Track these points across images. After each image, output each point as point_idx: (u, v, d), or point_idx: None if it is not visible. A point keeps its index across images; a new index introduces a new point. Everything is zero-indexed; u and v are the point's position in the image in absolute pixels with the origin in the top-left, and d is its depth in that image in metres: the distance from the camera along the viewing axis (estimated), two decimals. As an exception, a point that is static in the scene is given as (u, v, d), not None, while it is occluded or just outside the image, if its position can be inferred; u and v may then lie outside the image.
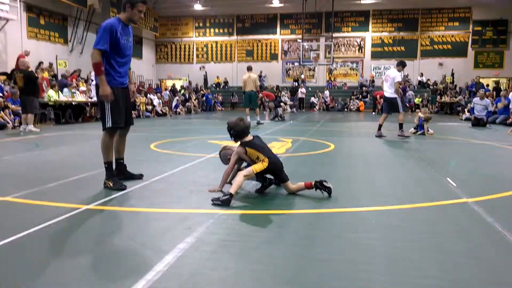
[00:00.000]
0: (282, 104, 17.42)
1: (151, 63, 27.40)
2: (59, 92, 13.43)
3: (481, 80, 21.16)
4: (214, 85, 26.71)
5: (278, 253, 2.56)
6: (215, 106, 24.33)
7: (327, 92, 24.20)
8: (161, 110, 19.29)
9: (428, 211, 3.55)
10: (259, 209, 3.52)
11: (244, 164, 4.12)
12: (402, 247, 2.68)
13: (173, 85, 25.83)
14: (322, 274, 2.27)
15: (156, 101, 19.25)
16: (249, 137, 4.14)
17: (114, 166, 4.43)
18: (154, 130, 11.33)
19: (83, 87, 15.54)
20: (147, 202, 3.75)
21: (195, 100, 22.78)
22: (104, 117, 4.24)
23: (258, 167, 3.84)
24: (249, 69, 12.95)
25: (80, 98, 14.53)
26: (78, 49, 19.85)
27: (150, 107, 18.71)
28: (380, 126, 9.50)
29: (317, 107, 24.07)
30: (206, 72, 26.75)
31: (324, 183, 3.84)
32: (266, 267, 2.36)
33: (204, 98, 23.98)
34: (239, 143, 4.12)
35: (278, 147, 7.48)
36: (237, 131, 4.13)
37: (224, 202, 3.55)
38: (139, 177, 4.60)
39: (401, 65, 9.46)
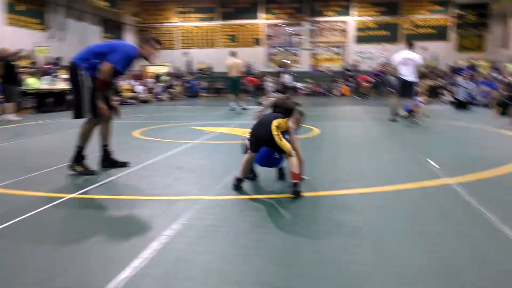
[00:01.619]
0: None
1: (133, 49, 26.98)
2: (40, 79, 13.15)
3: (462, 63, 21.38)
4: (198, 71, 26.46)
5: (265, 238, 2.58)
6: (199, 92, 24.15)
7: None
8: (144, 97, 19.06)
9: (411, 192, 3.61)
10: (245, 194, 3.54)
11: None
12: (387, 228, 2.73)
13: (156, 72, 25.52)
14: (309, 257, 2.30)
15: (139, 88, 19.01)
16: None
17: (101, 153, 4.51)
18: (137, 117, 11.22)
19: (65, 75, 15.23)
20: (132, 190, 3.73)
21: (179, 86, 22.57)
22: (80, 107, 4.22)
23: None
24: (233, 54, 12.85)
25: (61, 86, 14.26)
26: (59, 35, 19.39)
27: (133, 94, 18.47)
28: (394, 110, 9.25)
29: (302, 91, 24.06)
30: (189, 58, 26.46)
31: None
32: (253, 251, 2.38)
33: (187, 84, 23.77)
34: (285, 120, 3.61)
35: (263, 133, 7.47)
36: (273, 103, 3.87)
37: (234, 187, 3.58)
38: (123, 164, 4.55)
39: (412, 46, 9.13)
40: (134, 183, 3.95)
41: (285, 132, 3.56)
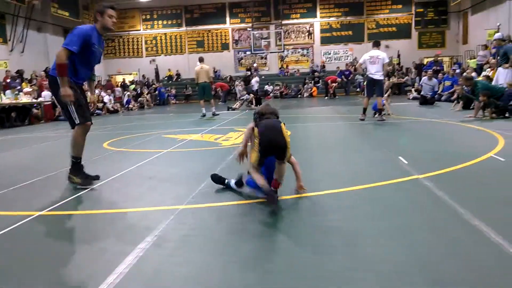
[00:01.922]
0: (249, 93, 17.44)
1: (99, 58, 26.49)
2: (2, 94, 12.72)
3: (425, 60, 22.01)
4: (166, 78, 26.19)
5: (243, 244, 2.57)
6: (168, 99, 23.91)
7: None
8: (112, 107, 18.73)
9: (383, 189, 3.68)
10: (220, 201, 3.51)
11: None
12: (361, 227, 2.76)
13: (123, 80, 25.12)
14: (287, 261, 2.30)
15: (106, 98, 18.65)
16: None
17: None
18: (106, 128, 11.00)
19: (27, 88, 14.79)
20: (104, 203, 3.65)
21: (147, 94, 22.28)
22: (71, 116, 4.15)
23: (253, 156, 3.35)
24: (201, 60, 12.78)
25: (24, 99, 13.84)
26: (19, 48, 18.82)
27: (101, 105, 18.10)
28: (365, 110, 9.33)
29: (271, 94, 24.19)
30: (157, 65, 26.15)
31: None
32: (231, 258, 2.37)
33: (156, 92, 23.50)
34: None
35: (236, 137, 7.48)
36: (258, 112, 3.58)
37: (269, 200, 3.22)
38: (95, 178, 4.40)
39: (380, 45, 9.38)
40: (105, 196, 3.86)
41: None
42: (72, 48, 3.97)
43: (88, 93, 4.80)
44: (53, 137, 9.39)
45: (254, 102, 16.15)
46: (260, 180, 3.25)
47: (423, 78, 14.74)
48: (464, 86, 9.99)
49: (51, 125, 13.26)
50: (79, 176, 4.21)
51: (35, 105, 14.41)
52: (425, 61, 21.49)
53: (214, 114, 12.65)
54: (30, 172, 5.10)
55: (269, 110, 3.57)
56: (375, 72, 9.06)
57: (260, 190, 3.32)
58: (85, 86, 4.61)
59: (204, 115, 12.46)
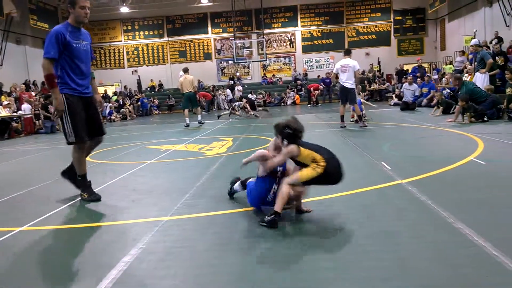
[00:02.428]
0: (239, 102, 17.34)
1: (80, 70, 26.18)
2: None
3: (405, 67, 22.39)
4: (148, 89, 26.05)
5: (227, 255, 2.55)
6: (151, 110, 23.76)
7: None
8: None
9: (367, 195, 3.70)
10: (205, 212, 3.49)
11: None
12: (346, 233, 2.77)
13: (105, 92, 24.89)
14: (272, 270, 2.29)
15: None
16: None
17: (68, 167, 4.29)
18: (88, 140, 10.84)
19: (6, 101, 14.53)
20: (86, 217, 3.59)
21: (130, 105, 22.10)
22: (65, 131, 3.99)
23: (307, 174, 3.04)
24: (185, 71, 12.82)
25: (3, 113, 13.59)
26: (-3, 60, 18.53)
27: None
28: (342, 117, 9.48)
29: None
30: (139, 76, 26.00)
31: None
32: (215, 269, 2.35)
33: (139, 102, 23.33)
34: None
35: (219, 147, 7.46)
36: (293, 128, 3.18)
37: (269, 224, 2.94)
38: (97, 198, 4.14)
39: (350, 53, 9.55)
40: (88, 209, 3.80)
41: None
42: (50, 55, 3.80)
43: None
44: (34, 150, 9.22)
45: (249, 108, 15.82)
46: (283, 201, 3.00)
47: (404, 84, 14.94)
48: (443, 90, 10.19)
49: (31, 138, 13.03)
50: (86, 191, 4.10)
51: (14, 118, 14.16)
52: (405, 67, 21.78)
53: (200, 123, 12.69)
54: (10, 186, 4.99)
55: (302, 128, 3.25)
56: (346, 80, 9.24)
57: (259, 205, 3.31)
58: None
59: (188, 125, 12.43)
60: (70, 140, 3.97)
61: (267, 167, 3.22)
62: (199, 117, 12.99)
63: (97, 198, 4.05)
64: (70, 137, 3.95)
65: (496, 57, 11.55)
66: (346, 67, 9.20)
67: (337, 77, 9.57)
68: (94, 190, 4.15)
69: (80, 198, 4.13)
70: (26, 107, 14.53)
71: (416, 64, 19.39)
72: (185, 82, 12.57)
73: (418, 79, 15.61)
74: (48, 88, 3.86)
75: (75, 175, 4.19)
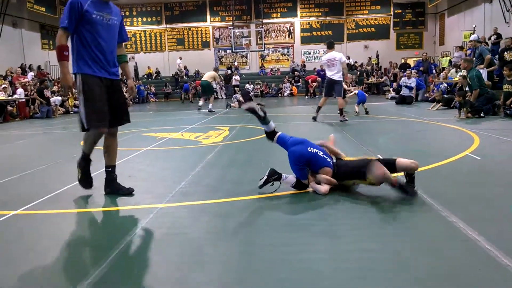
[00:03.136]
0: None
1: (76, 55, 25.94)
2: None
3: (408, 60, 22.33)
4: (145, 76, 25.91)
5: (222, 243, 2.56)
6: (148, 97, 23.66)
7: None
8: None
9: (362, 187, 3.70)
10: (200, 200, 3.49)
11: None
12: (339, 224, 2.78)
13: (102, 78, 24.69)
14: (265, 259, 2.30)
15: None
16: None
17: (105, 177, 3.81)
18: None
19: (3, 85, 14.40)
20: (82, 202, 3.58)
21: (126, 92, 21.96)
22: (80, 116, 3.53)
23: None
24: (215, 70, 15.19)
25: (-1, 96, 13.48)
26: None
27: (77, 102, 17.77)
28: (319, 108, 9.51)
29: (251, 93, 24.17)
30: (136, 63, 25.84)
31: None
32: (210, 257, 2.35)
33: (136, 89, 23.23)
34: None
35: (216, 136, 7.45)
36: None
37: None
38: (128, 192, 3.74)
39: (334, 46, 9.53)
40: (83, 195, 3.78)
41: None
42: (63, 25, 3.35)
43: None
44: (28, 135, 9.17)
45: (242, 99, 16.03)
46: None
47: (403, 78, 14.90)
48: (441, 85, 10.20)
49: (26, 122, 12.95)
50: (83, 170, 3.80)
51: (10, 102, 14.05)
52: (406, 61, 21.70)
53: (210, 111, 13.31)
54: (4, 170, 4.97)
55: None
56: (333, 74, 9.24)
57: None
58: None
59: (199, 109, 13.97)
60: (85, 126, 3.53)
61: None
62: (210, 106, 13.60)
63: (85, 187, 3.80)
64: (85, 124, 3.52)
65: (505, 52, 11.48)
66: (333, 61, 9.21)
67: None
68: (92, 175, 3.94)
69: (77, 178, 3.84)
70: (21, 91, 14.42)
71: (421, 58, 18.89)
72: (207, 73, 14.18)
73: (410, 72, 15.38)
74: (57, 60, 3.42)
75: (115, 186, 3.78)
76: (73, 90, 3.54)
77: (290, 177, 3.61)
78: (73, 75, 3.50)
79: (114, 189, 3.75)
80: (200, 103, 14.51)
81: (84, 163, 3.83)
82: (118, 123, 3.78)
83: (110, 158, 3.81)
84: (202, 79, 14.29)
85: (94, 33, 3.45)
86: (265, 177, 3.56)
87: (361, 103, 10.62)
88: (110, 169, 3.79)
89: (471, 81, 9.39)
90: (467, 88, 10.54)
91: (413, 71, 15.30)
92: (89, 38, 3.44)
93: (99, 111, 3.50)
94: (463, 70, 13.06)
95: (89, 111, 3.46)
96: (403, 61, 21.64)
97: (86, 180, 3.84)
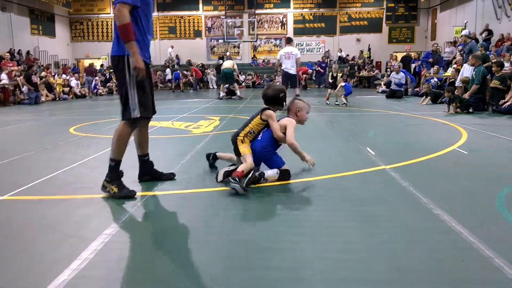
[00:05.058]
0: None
1: (66, 41, 25.60)
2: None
3: (394, 54, 22.37)
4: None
5: (212, 230, 2.57)
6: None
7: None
8: (79, 92, 18.21)
9: (350, 179, 3.75)
10: (189, 189, 3.49)
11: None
12: (326, 216, 2.80)
13: (91, 65, 24.43)
14: (252, 249, 2.31)
15: (74, 82, 18.11)
16: None
17: (138, 165, 3.74)
18: (73, 112, 10.69)
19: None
20: (69, 189, 3.56)
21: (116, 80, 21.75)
22: (128, 103, 3.21)
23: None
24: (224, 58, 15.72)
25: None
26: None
27: (67, 89, 17.57)
28: None
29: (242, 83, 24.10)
30: (127, 51, 25.58)
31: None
32: (199, 246, 2.36)
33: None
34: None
35: (206, 125, 7.43)
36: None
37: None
38: (170, 177, 3.73)
39: (292, 41, 10.56)
40: (70, 182, 3.76)
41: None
42: (131, 1, 3.00)
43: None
44: (16, 120, 9.06)
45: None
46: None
47: (392, 73, 14.93)
48: (431, 80, 10.26)
49: (14, 108, 12.79)
50: (115, 183, 3.28)
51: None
52: (399, 55, 21.69)
53: (239, 98, 14.24)
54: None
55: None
56: (290, 67, 9.92)
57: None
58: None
59: (221, 98, 14.26)
60: (134, 114, 3.21)
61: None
62: (238, 92, 14.47)
63: (132, 195, 3.23)
64: (134, 111, 3.21)
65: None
66: (290, 55, 9.93)
67: (280, 65, 10.17)
68: (79, 163, 3.92)
69: (107, 192, 3.28)
70: (4, 76, 14.22)
71: (430, 50, 17.94)
72: (226, 62, 14.87)
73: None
74: (124, 41, 3.04)
75: (154, 172, 3.68)
76: (144, 74, 3.18)
77: (269, 171, 3.57)
78: (117, 57, 3.21)
79: (156, 176, 3.71)
80: (221, 94, 14.63)
81: (117, 174, 3.35)
82: (155, 111, 3.61)
83: (146, 147, 3.74)
84: (224, 67, 14.56)
85: (147, 13, 3.25)
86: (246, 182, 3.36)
87: (348, 95, 10.96)
88: (146, 157, 3.73)
89: (476, 75, 9.44)
90: (457, 83, 10.63)
91: (396, 65, 15.25)
92: (144, 19, 3.22)
93: (148, 99, 3.33)
94: (453, 66, 13.16)
95: (141, 98, 3.22)
96: (394, 55, 21.66)
97: (125, 189, 3.29)
